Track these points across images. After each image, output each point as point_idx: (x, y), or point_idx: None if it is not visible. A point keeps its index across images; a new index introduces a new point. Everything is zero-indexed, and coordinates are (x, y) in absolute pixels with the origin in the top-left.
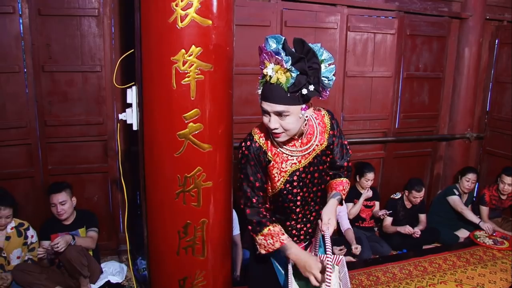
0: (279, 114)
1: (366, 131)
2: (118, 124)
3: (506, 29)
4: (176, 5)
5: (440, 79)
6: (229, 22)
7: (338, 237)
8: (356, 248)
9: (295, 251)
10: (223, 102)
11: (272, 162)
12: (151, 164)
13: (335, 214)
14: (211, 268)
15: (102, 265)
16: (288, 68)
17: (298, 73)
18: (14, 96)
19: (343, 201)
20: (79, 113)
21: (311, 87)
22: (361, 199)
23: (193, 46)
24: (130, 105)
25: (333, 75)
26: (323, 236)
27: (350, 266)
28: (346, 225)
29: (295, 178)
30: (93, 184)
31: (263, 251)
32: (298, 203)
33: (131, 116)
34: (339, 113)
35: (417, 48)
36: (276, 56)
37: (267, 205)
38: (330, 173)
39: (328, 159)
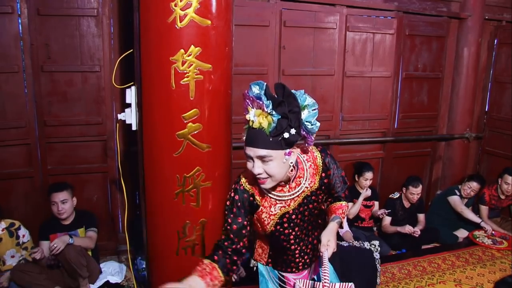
0: (262, 158)
1: (365, 131)
2: (117, 124)
3: (505, 29)
4: (175, 5)
5: (439, 79)
6: (228, 22)
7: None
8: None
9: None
10: (222, 102)
11: (261, 207)
12: (150, 164)
13: (335, 237)
14: None
15: (101, 265)
16: (269, 112)
17: (280, 117)
18: (13, 96)
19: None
20: (78, 113)
21: (293, 131)
22: (360, 199)
23: (192, 46)
24: (129, 105)
25: (316, 120)
26: (321, 258)
27: None
28: (344, 227)
29: (285, 220)
30: (93, 184)
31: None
32: (292, 241)
33: (130, 116)
34: (338, 113)
35: (416, 48)
36: (258, 101)
37: (237, 251)
38: (329, 199)
39: (320, 198)
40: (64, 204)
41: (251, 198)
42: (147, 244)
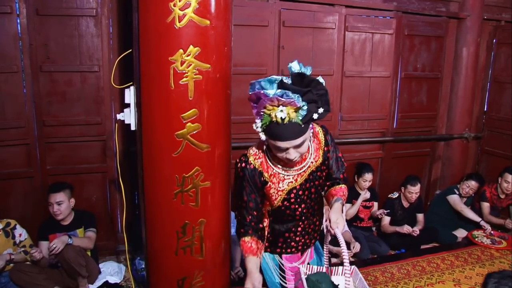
0: (298, 146)
1: (364, 131)
2: (116, 124)
3: (504, 29)
4: (174, 5)
5: (438, 79)
6: (227, 22)
7: (336, 238)
8: (354, 247)
9: (252, 272)
10: (221, 102)
11: (269, 183)
12: (149, 164)
13: (342, 214)
14: (209, 268)
15: (100, 265)
16: (300, 106)
17: (308, 104)
18: (12, 96)
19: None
20: (77, 113)
21: (321, 110)
22: (359, 201)
23: (191, 46)
24: (128, 105)
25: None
26: (334, 236)
27: None
28: (344, 227)
29: (292, 195)
30: (92, 184)
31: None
32: (297, 217)
33: (129, 116)
34: (337, 113)
35: (415, 48)
36: (284, 99)
37: (260, 225)
38: (327, 183)
39: (324, 174)
40: (60, 205)
41: (260, 175)
42: (146, 244)
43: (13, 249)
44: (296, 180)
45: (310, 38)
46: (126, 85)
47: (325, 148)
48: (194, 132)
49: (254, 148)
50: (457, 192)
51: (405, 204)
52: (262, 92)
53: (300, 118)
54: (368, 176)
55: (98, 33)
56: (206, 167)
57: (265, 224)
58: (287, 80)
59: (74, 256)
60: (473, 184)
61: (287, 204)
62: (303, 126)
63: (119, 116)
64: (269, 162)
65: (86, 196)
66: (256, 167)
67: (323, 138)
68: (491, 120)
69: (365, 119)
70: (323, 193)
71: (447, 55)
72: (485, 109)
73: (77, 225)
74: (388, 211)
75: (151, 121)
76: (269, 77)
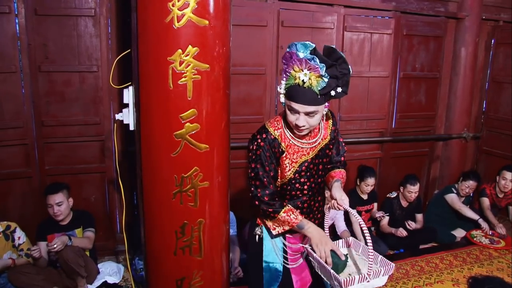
0: (309, 114)
1: (363, 131)
2: (115, 124)
3: (503, 29)
4: (173, 5)
5: (436, 79)
6: (226, 22)
7: (335, 238)
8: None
9: (313, 226)
10: (220, 102)
11: (285, 153)
12: (148, 164)
13: (343, 192)
14: (208, 268)
15: (99, 265)
16: (322, 74)
17: (329, 77)
18: (10, 96)
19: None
20: (76, 113)
21: (339, 89)
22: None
23: (190, 46)
24: (126, 105)
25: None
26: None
27: None
28: (342, 227)
29: (303, 168)
30: (90, 184)
31: (282, 229)
32: (305, 191)
33: (127, 116)
34: (336, 113)
35: (414, 48)
36: (311, 63)
37: (278, 188)
38: (328, 166)
39: (329, 153)
40: (60, 206)
41: (279, 145)
42: (145, 244)
43: (12, 251)
44: (308, 154)
45: (309, 38)
46: (125, 85)
47: (332, 128)
48: (193, 132)
49: (271, 121)
50: (455, 191)
51: (404, 203)
52: (295, 52)
53: (319, 88)
54: (371, 181)
55: (96, 33)
56: (205, 167)
57: None
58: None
59: (72, 257)
60: (471, 183)
61: (298, 177)
62: (319, 97)
63: (118, 116)
64: (286, 133)
65: (85, 196)
66: (276, 137)
67: (331, 119)
68: (489, 120)
69: (363, 119)
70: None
71: (446, 55)
72: (484, 109)
73: (75, 225)
74: (388, 214)
75: (150, 121)
76: (306, 42)
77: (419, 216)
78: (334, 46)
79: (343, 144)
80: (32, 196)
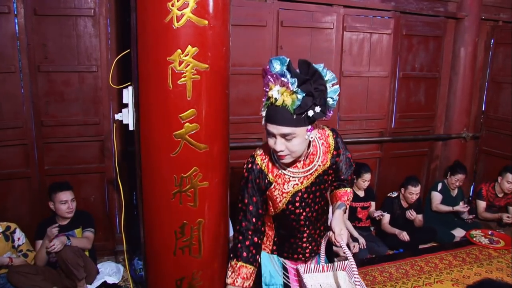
0: (285, 136)
1: (362, 131)
2: (115, 124)
3: (502, 29)
4: (172, 5)
5: (436, 79)
6: (226, 22)
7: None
8: (354, 247)
9: None
10: (220, 102)
11: (274, 184)
12: (148, 164)
13: (344, 224)
14: (208, 268)
15: (99, 265)
16: (294, 90)
17: (304, 95)
18: (10, 96)
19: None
20: (75, 113)
21: (317, 109)
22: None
23: (189, 46)
24: (126, 105)
25: (337, 95)
26: (339, 247)
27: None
28: None
29: (297, 199)
30: (90, 185)
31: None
32: (302, 222)
33: (127, 116)
34: (336, 113)
35: (413, 48)
36: (282, 79)
37: (257, 225)
38: (334, 184)
39: (330, 178)
40: (73, 202)
41: (264, 176)
42: (144, 244)
43: (12, 252)
44: (302, 183)
45: (308, 38)
46: (124, 85)
47: (334, 152)
48: (192, 132)
49: (261, 148)
50: (441, 187)
51: (404, 204)
52: (268, 67)
53: (294, 107)
54: (367, 176)
55: (96, 33)
56: (204, 167)
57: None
58: None
59: (72, 257)
60: (461, 176)
61: (292, 208)
62: (295, 117)
63: (117, 116)
64: (275, 162)
65: (84, 196)
66: (263, 168)
67: (333, 142)
68: (489, 119)
69: (363, 119)
70: (328, 193)
71: (445, 55)
72: (483, 109)
73: (75, 225)
74: (385, 213)
75: (149, 121)
76: (282, 57)
77: (419, 217)
78: (308, 61)
79: (352, 160)
80: (31, 196)
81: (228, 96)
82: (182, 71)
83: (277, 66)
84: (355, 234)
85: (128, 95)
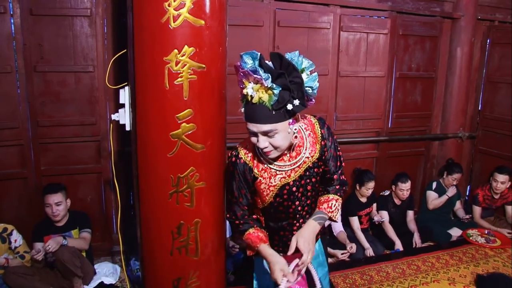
0: (267, 133)
1: (359, 131)
2: (111, 125)
3: (498, 29)
4: (169, 5)
5: (432, 78)
6: (222, 22)
7: (331, 239)
8: (352, 248)
9: (271, 252)
10: (216, 102)
11: (259, 178)
12: (144, 164)
13: (313, 239)
14: (205, 268)
15: (96, 266)
16: (269, 86)
17: (280, 89)
18: (6, 96)
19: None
20: (72, 114)
21: (296, 102)
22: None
23: (186, 46)
24: (123, 106)
25: (317, 82)
26: (307, 268)
27: (344, 265)
28: (338, 228)
29: (284, 192)
30: (86, 185)
31: (248, 252)
32: (291, 215)
33: (124, 117)
34: (332, 113)
35: (410, 48)
36: (255, 75)
37: (253, 216)
38: (320, 188)
39: (321, 170)
40: (58, 206)
41: (250, 170)
42: (141, 245)
43: (9, 254)
44: (289, 176)
45: (305, 38)
46: (121, 85)
47: (322, 143)
48: (189, 132)
49: (243, 143)
50: (435, 186)
51: (397, 201)
52: (239, 64)
53: (272, 103)
54: (371, 185)
55: (92, 33)
56: (201, 167)
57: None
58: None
59: (69, 257)
60: (458, 176)
61: (280, 200)
62: (274, 113)
63: (114, 117)
64: (260, 156)
65: (81, 196)
66: (247, 162)
67: (319, 131)
68: (485, 119)
69: (360, 119)
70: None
71: (442, 55)
72: (479, 109)
73: (72, 226)
74: (384, 219)
75: (146, 122)
76: (253, 51)
77: (410, 213)
78: (280, 53)
79: (341, 158)
80: (28, 197)
81: (225, 96)
82: (179, 71)
83: (248, 61)
84: (366, 245)
85: (124, 95)
